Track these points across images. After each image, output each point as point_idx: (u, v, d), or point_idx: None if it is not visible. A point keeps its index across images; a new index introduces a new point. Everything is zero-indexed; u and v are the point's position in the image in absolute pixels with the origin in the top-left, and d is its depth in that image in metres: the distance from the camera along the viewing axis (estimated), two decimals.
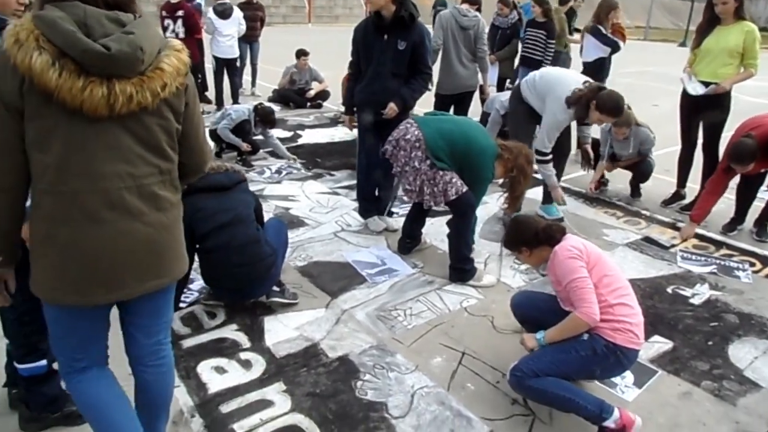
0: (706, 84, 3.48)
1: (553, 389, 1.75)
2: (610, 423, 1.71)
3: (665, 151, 4.45)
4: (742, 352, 2.31)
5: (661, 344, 2.35)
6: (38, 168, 1.23)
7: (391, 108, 3.02)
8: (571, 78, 3.19)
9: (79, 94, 1.15)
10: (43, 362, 1.59)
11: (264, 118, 4.49)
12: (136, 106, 1.22)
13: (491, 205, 3.63)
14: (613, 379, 2.06)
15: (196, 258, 2.36)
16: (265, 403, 1.93)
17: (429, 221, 3.11)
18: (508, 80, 5.62)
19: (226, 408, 1.91)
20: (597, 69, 4.64)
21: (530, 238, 1.96)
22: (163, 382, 1.53)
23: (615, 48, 4.67)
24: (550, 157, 3.24)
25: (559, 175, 3.42)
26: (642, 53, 9.39)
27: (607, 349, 1.76)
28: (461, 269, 2.76)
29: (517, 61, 5.44)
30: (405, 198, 2.93)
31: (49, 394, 1.69)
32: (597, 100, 2.99)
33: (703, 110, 3.55)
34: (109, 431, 1.44)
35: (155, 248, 1.33)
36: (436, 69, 3.70)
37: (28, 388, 1.72)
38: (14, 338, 1.64)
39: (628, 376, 2.11)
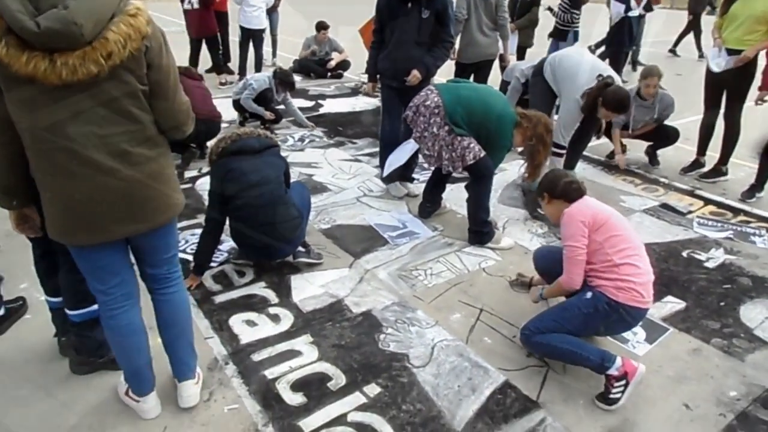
0: (733, 52, 3.47)
1: (556, 344, 1.87)
2: (612, 371, 1.81)
3: (686, 120, 4.44)
4: (753, 313, 2.38)
5: (673, 304, 2.42)
6: (19, 130, 1.36)
7: (414, 75, 3.08)
8: (585, 72, 3.21)
9: (24, 67, 1.24)
10: (94, 307, 1.72)
11: (283, 79, 4.55)
12: (84, 76, 1.29)
13: (511, 172, 3.69)
14: (624, 335, 2.15)
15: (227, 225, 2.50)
16: (293, 353, 2.06)
17: (449, 187, 3.19)
18: (527, 48, 5.62)
19: (257, 357, 2.03)
20: (619, 29, 4.63)
21: (552, 186, 2.09)
22: (174, 304, 1.73)
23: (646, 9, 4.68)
24: (565, 151, 3.35)
25: (576, 159, 3.55)
26: (668, 21, 9.26)
27: (609, 307, 1.85)
28: (479, 232, 2.84)
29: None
30: (425, 164, 2.99)
31: (98, 339, 1.83)
32: (603, 97, 3.06)
33: (727, 78, 3.55)
34: (122, 353, 1.69)
35: (129, 200, 1.47)
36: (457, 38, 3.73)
37: (79, 334, 1.86)
38: (67, 288, 1.78)
39: (640, 333, 2.19)
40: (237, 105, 4.60)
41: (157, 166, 1.50)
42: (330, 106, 5.53)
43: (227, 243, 2.71)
